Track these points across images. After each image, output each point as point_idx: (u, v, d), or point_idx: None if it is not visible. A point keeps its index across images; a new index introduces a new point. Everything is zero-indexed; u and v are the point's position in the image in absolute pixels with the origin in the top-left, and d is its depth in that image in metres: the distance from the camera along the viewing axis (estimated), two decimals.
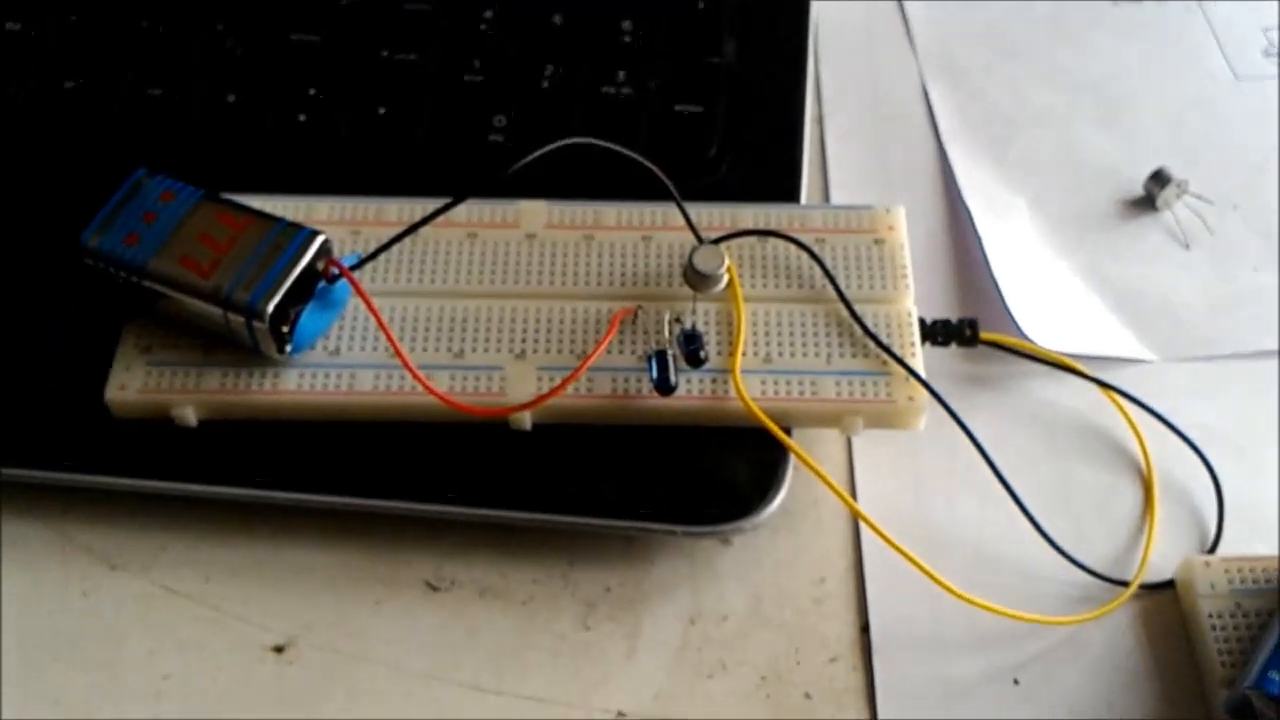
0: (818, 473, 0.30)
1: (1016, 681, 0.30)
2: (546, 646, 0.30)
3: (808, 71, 0.39)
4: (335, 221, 0.33)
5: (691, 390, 0.31)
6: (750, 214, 0.33)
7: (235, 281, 0.29)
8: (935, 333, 0.33)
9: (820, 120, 0.40)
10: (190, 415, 0.30)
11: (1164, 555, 0.31)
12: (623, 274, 0.33)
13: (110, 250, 0.30)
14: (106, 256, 0.30)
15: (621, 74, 0.38)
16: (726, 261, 0.31)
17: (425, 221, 0.31)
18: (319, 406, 0.31)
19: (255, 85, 0.37)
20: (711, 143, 0.37)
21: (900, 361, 0.31)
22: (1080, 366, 0.34)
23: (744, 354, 0.31)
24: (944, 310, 0.35)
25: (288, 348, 0.30)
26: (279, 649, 0.30)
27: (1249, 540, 0.32)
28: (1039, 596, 0.31)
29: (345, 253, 0.32)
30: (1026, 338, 0.34)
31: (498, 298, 0.32)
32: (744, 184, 0.36)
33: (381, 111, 0.37)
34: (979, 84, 0.42)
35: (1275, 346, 0.35)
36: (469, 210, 0.33)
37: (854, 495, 0.33)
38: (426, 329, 0.31)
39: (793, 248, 0.33)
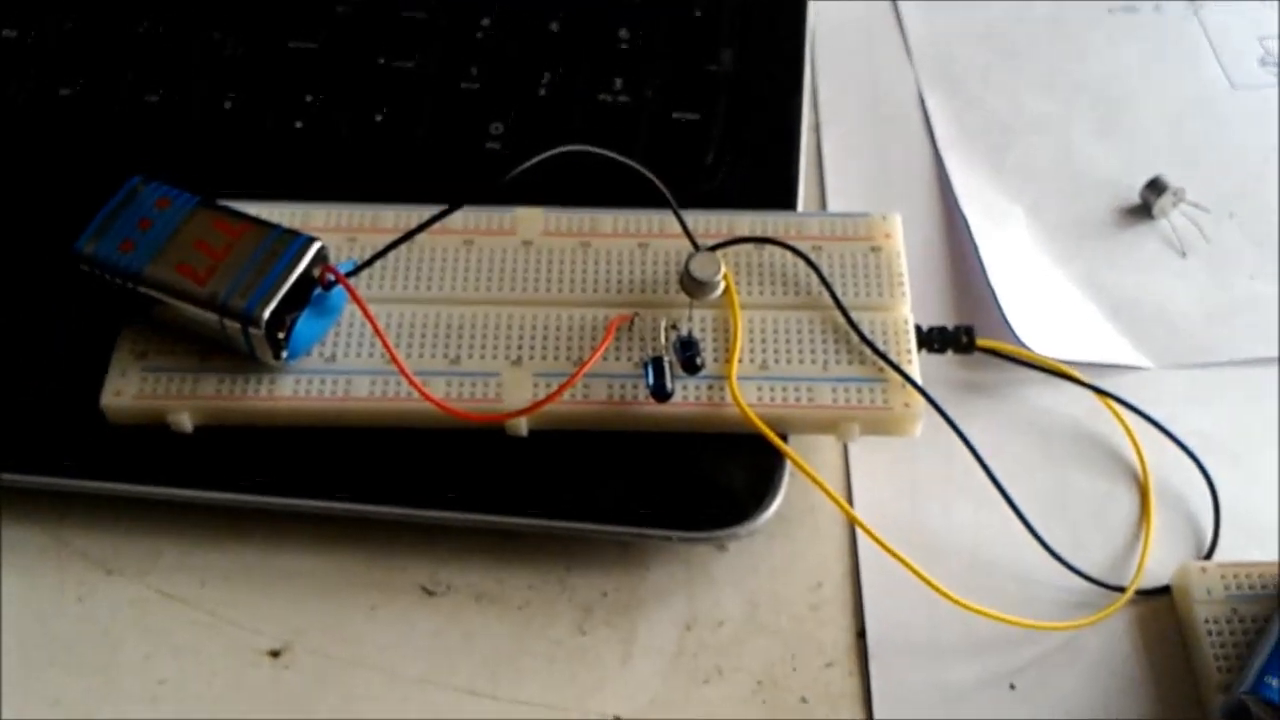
0: (814, 479, 0.30)
1: (1013, 686, 0.30)
2: (542, 652, 0.30)
3: (805, 79, 0.39)
4: (332, 228, 0.33)
5: (688, 397, 0.31)
6: (747, 221, 0.33)
7: (231, 288, 0.29)
8: (932, 339, 0.33)
9: (817, 128, 0.41)
10: (186, 421, 0.30)
11: (1160, 561, 0.31)
12: (619, 281, 0.33)
13: (105, 257, 0.30)
14: (102, 263, 0.30)
15: (619, 81, 0.38)
16: (723, 268, 0.31)
17: (422, 228, 0.31)
18: (315, 412, 0.31)
19: (252, 92, 0.38)
20: (708, 150, 0.37)
21: (896, 368, 0.31)
22: (1077, 373, 0.34)
23: (740, 360, 0.31)
24: (941, 317, 0.35)
25: (284, 354, 0.30)
26: (274, 654, 0.30)
27: (1245, 546, 0.32)
28: (1035, 602, 0.31)
29: (341, 259, 0.32)
30: (1023, 345, 0.34)
31: (494, 304, 0.32)
32: (741, 191, 0.36)
33: (378, 118, 0.37)
34: (976, 91, 0.42)
35: (1271, 354, 0.36)
36: (465, 217, 0.33)
37: (850, 501, 0.33)
38: (423, 335, 0.31)
39: (789, 255, 0.33)
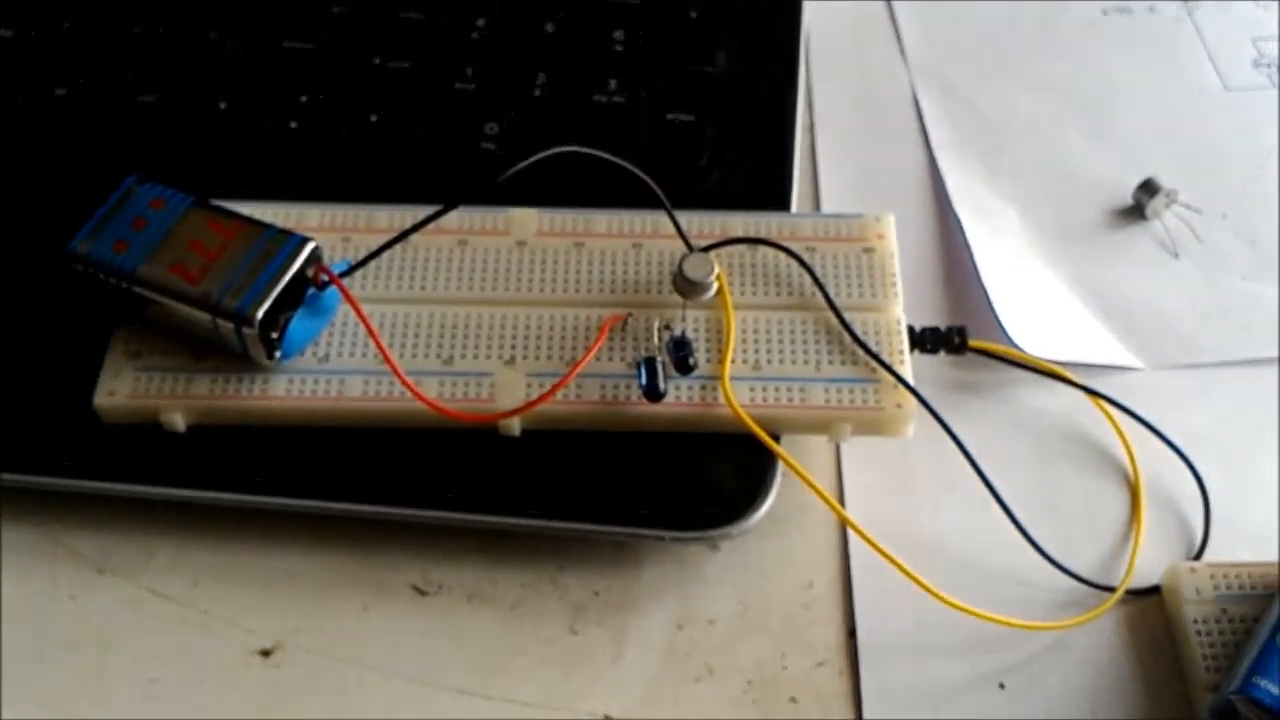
0: (806, 479, 0.30)
1: (1002, 686, 0.30)
2: (534, 651, 0.30)
3: (799, 80, 0.39)
4: (326, 228, 0.33)
5: (680, 397, 0.31)
6: (740, 222, 0.33)
7: (225, 288, 0.29)
8: (924, 340, 0.33)
9: (811, 129, 0.41)
10: (179, 421, 0.31)
11: (1150, 561, 0.31)
12: (613, 281, 0.33)
13: (99, 257, 0.30)
14: (96, 263, 0.30)
15: (614, 82, 0.38)
16: (716, 269, 0.31)
17: (416, 229, 0.31)
18: (308, 412, 0.31)
19: (248, 92, 0.38)
20: (703, 151, 0.37)
21: (888, 369, 0.31)
22: (1068, 374, 0.34)
23: (733, 361, 0.31)
24: (933, 318, 0.35)
25: (277, 354, 0.30)
26: (266, 653, 0.30)
27: (1235, 546, 0.32)
28: (1025, 602, 0.31)
29: (336, 259, 0.32)
30: (1015, 345, 0.34)
31: (488, 304, 0.32)
32: (735, 192, 0.36)
33: (374, 119, 0.37)
34: (969, 93, 0.42)
35: (1263, 355, 0.36)
36: (460, 217, 0.33)
37: (842, 501, 0.33)
38: (416, 335, 0.32)
39: (783, 256, 0.33)
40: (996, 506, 0.30)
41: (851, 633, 0.31)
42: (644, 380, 0.30)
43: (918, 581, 0.29)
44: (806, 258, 0.32)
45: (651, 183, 0.31)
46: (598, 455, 0.31)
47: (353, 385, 0.31)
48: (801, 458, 0.31)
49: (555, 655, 0.30)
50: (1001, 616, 0.30)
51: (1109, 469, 0.33)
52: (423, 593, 0.31)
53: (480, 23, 0.39)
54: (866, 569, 0.31)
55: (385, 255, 0.31)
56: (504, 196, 0.32)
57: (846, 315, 0.32)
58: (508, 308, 0.32)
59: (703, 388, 0.31)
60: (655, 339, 0.31)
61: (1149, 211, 0.38)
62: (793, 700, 0.30)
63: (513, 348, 0.31)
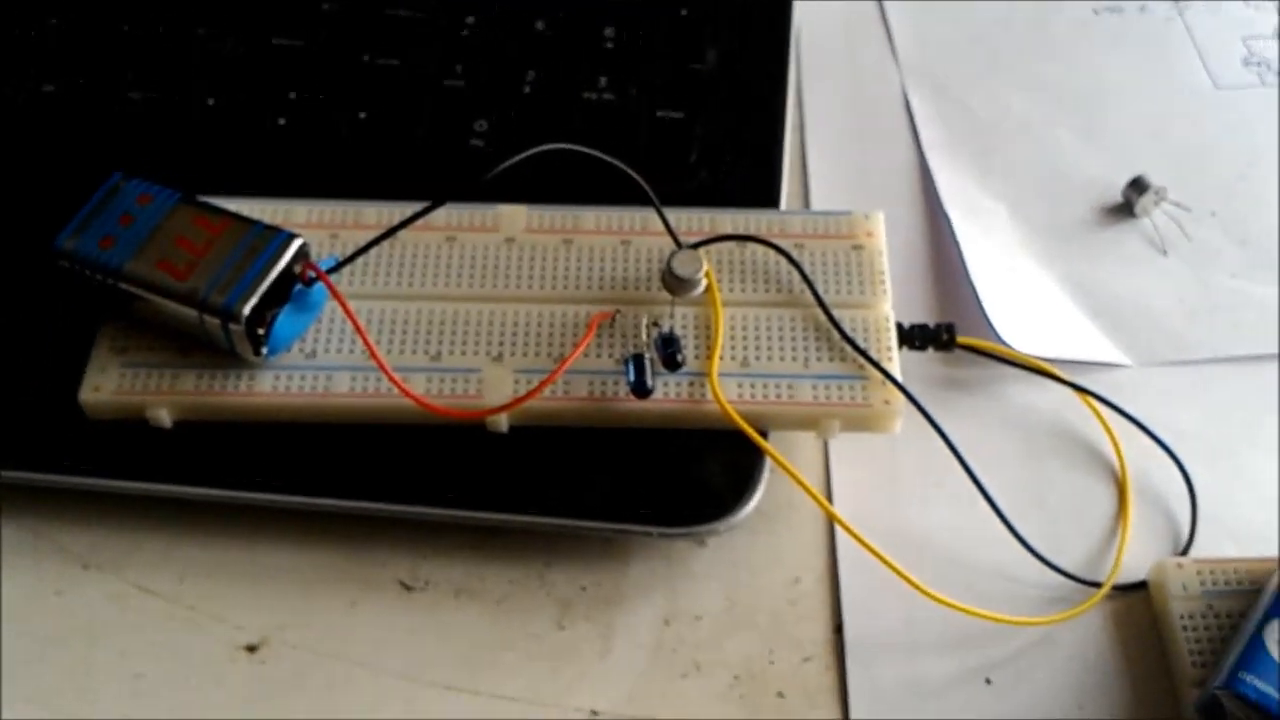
0: (793, 476, 0.30)
1: (989, 681, 0.30)
2: (521, 646, 0.30)
3: (789, 78, 0.39)
4: (313, 225, 0.33)
5: (669, 393, 0.31)
6: (729, 219, 0.34)
7: (211, 284, 0.29)
8: (913, 337, 0.33)
9: (801, 127, 0.41)
10: (165, 416, 0.31)
11: (1137, 557, 0.32)
12: (601, 278, 0.33)
13: (86, 253, 0.30)
14: (82, 259, 0.30)
15: (603, 80, 0.38)
16: (705, 266, 0.31)
17: (404, 225, 0.31)
18: (295, 408, 0.31)
19: (236, 89, 0.38)
20: (692, 148, 0.37)
21: (876, 365, 0.31)
22: (1056, 371, 0.34)
23: (721, 358, 0.31)
24: (922, 315, 0.35)
25: (264, 350, 0.30)
26: (252, 649, 0.30)
27: (1221, 543, 0.32)
28: (1012, 597, 0.31)
29: (323, 256, 0.32)
30: (1003, 342, 0.34)
31: (475, 301, 0.32)
32: (724, 189, 0.36)
33: (363, 116, 0.37)
34: (960, 92, 0.42)
35: (1251, 352, 0.36)
36: (448, 214, 0.33)
37: (830, 498, 0.33)
38: (404, 332, 0.32)
39: (771, 253, 0.33)
40: (984, 503, 0.30)
41: (838, 628, 0.31)
42: (632, 377, 0.30)
43: (905, 578, 0.29)
44: (795, 255, 0.32)
45: (641, 180, 0.31)
46: (586, 452, 0.31)
47: (340, 381, 0.31)
48: (789, 454, 0.31)
49: (543, 651, 0.30)
50: (988, 612, 0.30)
51: (1097, 465, 0.33)
52: (410, 588, 0.31)
53: (470, 20, 0.39)
54: (854, 565, 0.31)
55: (373, 251, 0.31)
56: (493, 193, 0.32)
57: (835, 312, 0.32)
58: (496, 304, 0.32)
59: (691, 384, 0.31)
60: (643, 336, 0.31)
61: (1138, 209, 0.38)
62: (779, 695, 0.30)
63: (501, 344, 0.31)
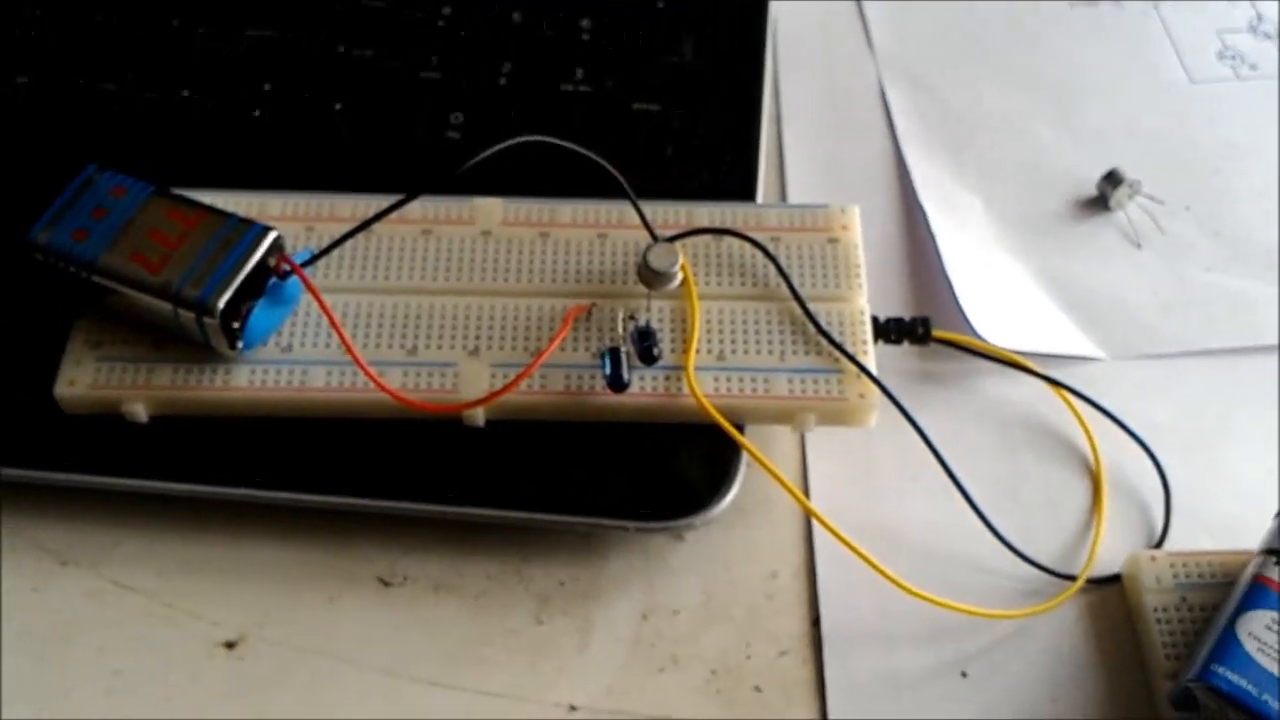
0: (770, 470, 0.30)
1: (965, 674, 0.30)
2: (500, 641, 0.30)
3: (766, 71, 0.39)
4: (288, 217, 0.33)
5: (645, 387, 0.31)
6: (706, 212, 0.34)
7: (185, 277, 0.29)
8: (888, 331, 0.33)
9: (778, 120, 0.41)
10: (141, 411, 0.30)
11: (1111, 550, 0.32)
12: (577, 271, 0.33)
13: (59, 246, 0.30)
14: (56, 252, 0.30)
15: (580, 72, 0.38)
16: (681, 259, 0.31)
17: (379, 218, 0.31)
18: (271, 403, 0.31)
19: (210, 81, 0.37)
20: (668, 141, 0.37)
21: (852, 359, 0.31)
22: (1031, 364, 0.34)
23: (698, 351, 0.31)
24: (898, 309, 0.35)
25: (239, 344, 0.30)
26: (230, 645, 0.30)
27: (1195, 536, 0.32)
28: (988, 591, 0.31)
29: (298, 249, 0.32)
30: (979, 336, 0.34)
31: (451, 294, 0.32)
32: (700, 183, 0.36)
33: (338, 107, 0.37)
34: (936, 85, 0.42)
35: (1224, 345, 0.36)
36: (424, 207, 0.33)
37: (806, 491, 0.33)
38: (380, 325, 0.31)
39: (748, 246, 0.33)
40: (959, 496, 0.31)
41: (815, 622, 0.31)
42: (608, 370, 0.30)
43: (881, 571, 0.29)
44: (771, 248, 0.32)
45: (616, 173, 0.31)
46: (562, 446, 0.31)
47: (315, 376, 0.31)
48: (766, 448, 0.31)
49: (521, 645, 0.30)
50: (964, 605, 0.30)
51: (1071, 459, 0.34)
52: (388, 584, 0.31)
53: (446, 11, 0.39)
54: (830, 559, 0.32)
55: (348, 245, 0.31)
56: (469, 186, 0.32)
57: (811, 306, 0.32)
58: (472, 298, 0.32)
59: (667, 378, 0.31)
60: (620, 329, 0.31)
61: (1113, 203, 0.38)
62: (757, 689, 0.30)
63: (477, 338, 0.31)
